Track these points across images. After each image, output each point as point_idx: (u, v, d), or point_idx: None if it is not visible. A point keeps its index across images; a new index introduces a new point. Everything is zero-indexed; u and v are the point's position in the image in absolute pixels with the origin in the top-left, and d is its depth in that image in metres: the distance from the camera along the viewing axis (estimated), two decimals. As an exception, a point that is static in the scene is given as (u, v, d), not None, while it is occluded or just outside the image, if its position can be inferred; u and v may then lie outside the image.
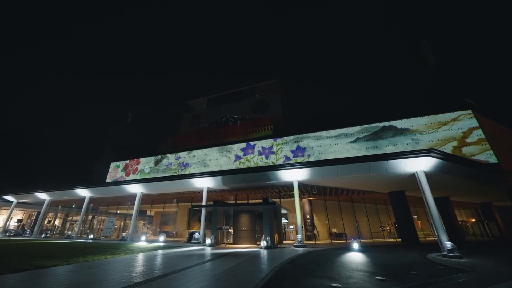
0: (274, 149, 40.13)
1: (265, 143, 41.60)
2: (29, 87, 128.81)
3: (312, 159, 36.10)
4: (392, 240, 35.41)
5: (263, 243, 22.31)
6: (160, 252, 18.86)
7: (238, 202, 36.49)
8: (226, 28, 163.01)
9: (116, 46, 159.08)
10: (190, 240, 28.95)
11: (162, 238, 31.00)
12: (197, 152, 47.13)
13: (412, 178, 22.69)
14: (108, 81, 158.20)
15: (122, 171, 54.37)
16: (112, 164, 57.03)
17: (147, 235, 39.91)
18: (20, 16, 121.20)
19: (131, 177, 51.86)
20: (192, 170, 45.30)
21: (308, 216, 35.11)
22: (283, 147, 39.56)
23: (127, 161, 55.03)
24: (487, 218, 39.55)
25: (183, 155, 48.52)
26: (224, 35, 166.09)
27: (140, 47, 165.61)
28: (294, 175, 26.44)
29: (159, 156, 51.52)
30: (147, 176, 48.94)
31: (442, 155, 20.91)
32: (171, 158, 49.71)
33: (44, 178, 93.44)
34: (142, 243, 28.96)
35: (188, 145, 52.83)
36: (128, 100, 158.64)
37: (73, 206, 51.76)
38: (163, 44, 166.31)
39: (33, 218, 54.41)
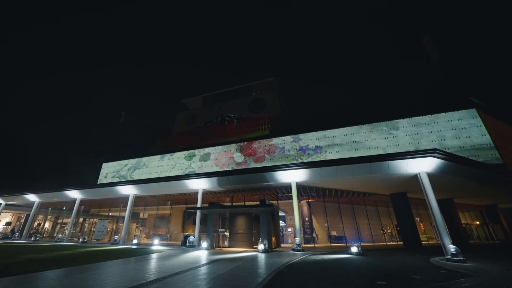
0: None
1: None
2: (20, 86, 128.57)
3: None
4: (393, 243, 35.40)
5: (260, 246, 22.20)
6: (153, 255, 18.77)
7: (234, 204, 36.34)
8: (222, 24, 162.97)
9: (111, 42, 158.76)
10: (184, 243, 28.80)
11: (155, 241, 30.86)
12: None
13: (414, 179, 22.60)
14: (102, 79, 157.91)
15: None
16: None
17: (140, 238, 39.75)
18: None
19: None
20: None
21: (306, 219, 35.06)
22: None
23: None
24: (492, 221, 39.57)
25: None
26: (220, 31, 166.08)
27: (134, 43, 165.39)
28: (292, 176, 26.31)
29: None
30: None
31: (446, 156, 20.87)
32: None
33: (33, 179, 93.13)
34: (134, 246, 28.81)
35: (185, 145, 52.99)
36: (121, 98, 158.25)
37: (64, 208, 51.42)
38: (158, 40, 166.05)
39: (22, 220, 54.02)
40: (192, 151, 49.51)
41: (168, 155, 51.37)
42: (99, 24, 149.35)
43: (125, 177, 53.04)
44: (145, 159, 53.69)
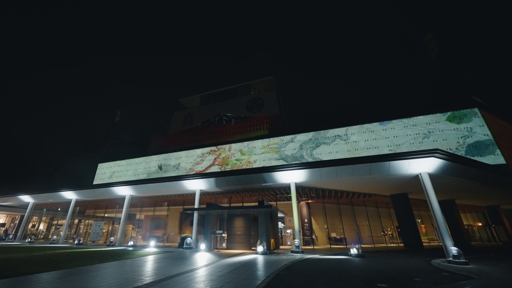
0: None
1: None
2: (11, 82, 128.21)
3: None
4: (394, 245, 35.37)
5: (259, 248, 22.15)
6: (150, 257, 18.68)
7: (232, 205, 36.31)
8: (220, 22, 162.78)
9: (107, 39, 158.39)
10: (181, 245, 28.72)
11: (152, 243, 30.78)
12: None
13: (415, 180, 22.60)
14: (96, 76, 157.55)
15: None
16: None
17: (137, 240, 39.70)
18: None
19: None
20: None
21: (306, 220, 34.99)
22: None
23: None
24: (495, 222, 39.59)
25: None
26: (218, 28, 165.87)
27: (130, 40, 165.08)
28: (291, 177, 26.26)
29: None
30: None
31: (448, 156, 20.83)
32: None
33: (28, 180, 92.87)
34: (131, 248, 28.74)
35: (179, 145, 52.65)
36: (117, 97, 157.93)
37: (59, 209, 51.34)
38: (155, 38, 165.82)
39: (17, 222, 53.91)
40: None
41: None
42: (93, 21, 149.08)
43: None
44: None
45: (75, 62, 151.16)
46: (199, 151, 49.08)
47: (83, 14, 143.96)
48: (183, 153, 50.23)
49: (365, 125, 37.32)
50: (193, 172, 46.25)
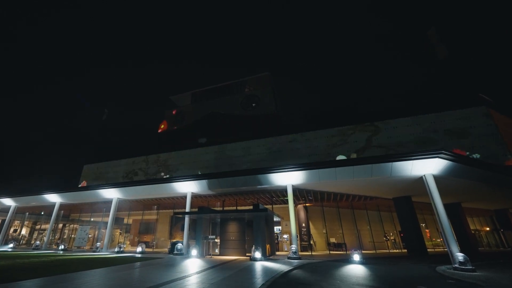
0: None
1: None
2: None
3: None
4: (397, 251, 35.35)
5: (254, 254, 21.98)
6: (138, 264, 18.54)
7: (225, 208, 36.10)
8: (214, 16, 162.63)
9: (95, 37, 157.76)
10: (172, 251, 28.52)
11: (140, 249, 30.50)
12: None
13: (419, 182, 22.47)
14: (84, 72, 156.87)
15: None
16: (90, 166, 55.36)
17: (124, 246, 39.46)
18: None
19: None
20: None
21: (303, 225, 34.87)
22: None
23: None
24: (503, 227, 39.61)
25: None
26: (212, 22, 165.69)
27: (120, 36, 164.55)
28: (288, 179, 26.08)
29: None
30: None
31: (453, 157, 20.76)
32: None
33: (9, 182, 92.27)
34: (118, 254, 28.50)
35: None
36: (103, 94, 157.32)
37: (42, 213, 50.96)
38: (145, 34, 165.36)
39: (-3, 227, 53.54)
40: None
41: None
42: (83, 19, 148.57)
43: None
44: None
45: (62, 61, 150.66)
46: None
47: (72, 13, 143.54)
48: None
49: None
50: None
